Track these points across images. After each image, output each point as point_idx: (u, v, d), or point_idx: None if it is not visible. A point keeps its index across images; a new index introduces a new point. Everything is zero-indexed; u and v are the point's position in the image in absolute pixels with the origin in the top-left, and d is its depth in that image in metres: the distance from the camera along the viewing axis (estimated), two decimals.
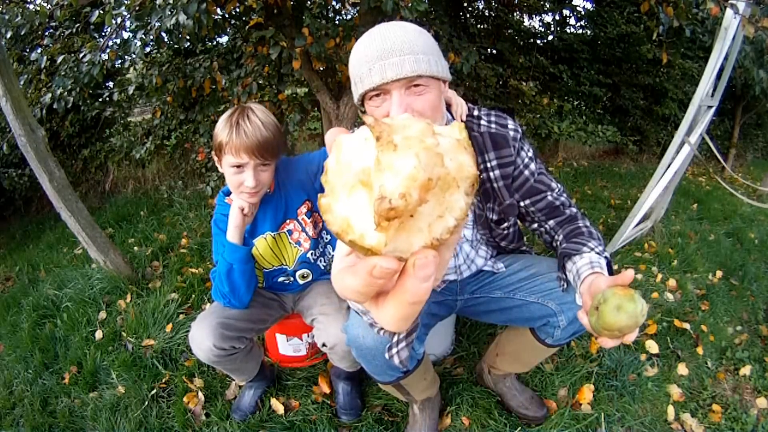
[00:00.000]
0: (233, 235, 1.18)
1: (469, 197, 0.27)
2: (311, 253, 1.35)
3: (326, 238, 1.40)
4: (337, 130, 0.49)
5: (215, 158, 1.20)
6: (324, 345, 1.26)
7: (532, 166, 1.09)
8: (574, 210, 1.10)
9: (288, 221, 1.31)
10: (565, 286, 1.04)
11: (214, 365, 1.28)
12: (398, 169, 0.26)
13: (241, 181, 1.14)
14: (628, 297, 0.65)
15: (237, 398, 1.52)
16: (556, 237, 1.08)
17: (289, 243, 1.33)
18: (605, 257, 0.95)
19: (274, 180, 1.24)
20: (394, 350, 0.93)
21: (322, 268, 1.41)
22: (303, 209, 1.32)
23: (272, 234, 1.30)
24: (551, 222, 1.09)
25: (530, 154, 1.10)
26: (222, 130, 1.12)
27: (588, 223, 1.06)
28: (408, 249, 0.27)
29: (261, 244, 1.29)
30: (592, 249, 0.95)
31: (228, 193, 1.29)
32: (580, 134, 4.49)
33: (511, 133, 1.07)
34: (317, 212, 1.35)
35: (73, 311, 2.07)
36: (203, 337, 1.17)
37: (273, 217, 1.29)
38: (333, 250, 1.42)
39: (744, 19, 1.74)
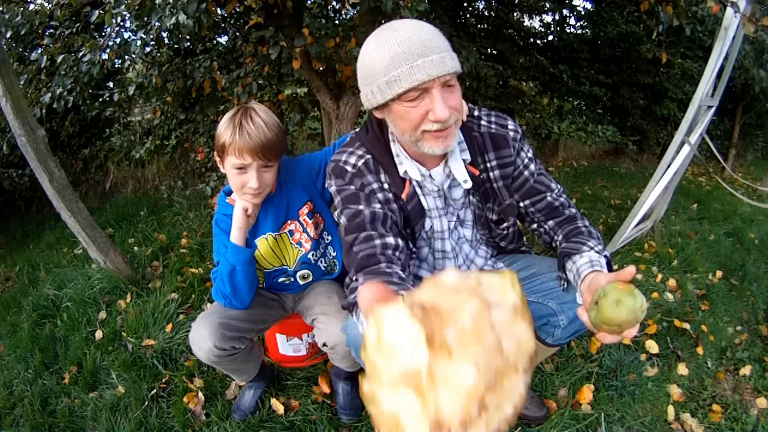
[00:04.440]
0: (237, 236, 1.18)
1: (527, 374, 0.25)
2: (312, 254, 1.35)
3: (327, 239, 1.39)
4: (373, 300, 0.54)
5: (217, 159, 1.19)
6: (324, 345, 1.26)
7: (532, 166, 1.09)
8: (573, 210, 1.10)
9: (289, 222, 1.31)
10: (566, 285, 1.04)
11: (214, 365, 1.28)
12: (455, 383, 0.23)
13: (245, 182, 1.13)
14: (628, 292, 0.65)
15: (237, 398, 1.52)
16: (555, 237, 1.09)
17: (290, 244, 1.33)
18: (605, 256, 0.95)
19: (275, 180, 1.25)
20: None
21: (323, 269, 1.41)
22: (305, 210, 1.32)
23: (273, 235, 1.29)
24: (550, 222, 1.09)
25: (530, 154, 1.10)
26: (224, 131, 1.11)
27: (587, 223, 1.06)
28: None
29: (262, 245, 1.29)
30: (592, 248, 0.95)
31: (229, 193, 1.29)
32: (580, 134, 4.49)
33: (511, 133, 1.07)
34: (319, 213, 1.35)
35: (73, 311, 2.07)
36: (204, 338, 1.16)
37: (274, 217, 1.28)
38: (334, 251, 1.41)
39: (744, 18, 1.74)
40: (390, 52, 0.85)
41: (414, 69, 0.83)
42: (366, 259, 0.88)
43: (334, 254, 1.42)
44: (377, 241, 0.90)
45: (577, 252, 0.95)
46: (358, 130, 1.12)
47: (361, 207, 0.97)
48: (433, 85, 0.85)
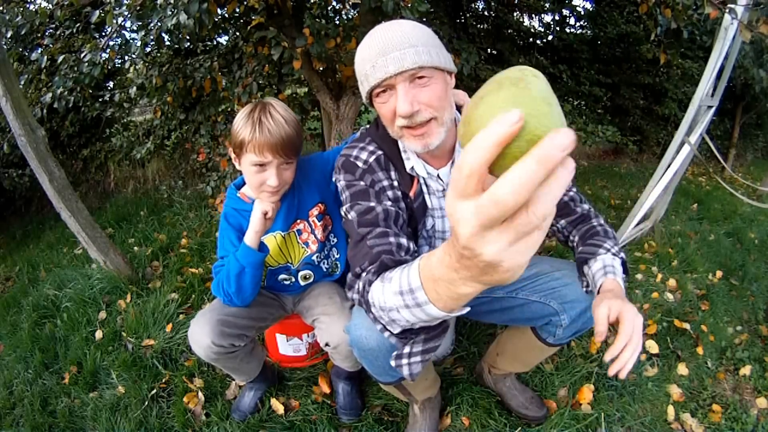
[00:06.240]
0: (252, 239, 1.15)
1: None
2: (317, 256, 1.35)
3: (333, 241, 1.39)
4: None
5: (233, 156, 1.16)
6: (327, 345, 1.25)
7: None
8: (586, 207, 1.10)
9: (298, 221, 1.30)
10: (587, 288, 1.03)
11: (213, 363, 1.27)
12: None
13: (263, 180, 1.11)
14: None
15: (237, 398, 1.52)
16: (570, 237, 1.09)
17: (298, 243, 1.32)
18: (621, 257, 0.96)
19: (293, 178, 1.23)
20: (405, 361, 0.89)
21: (324, 270, 1.41)
22: (315, 211, 1.31)
23: (282, 234, 1.29)
24: (563, 221, 1.10)
25: None
26: (243, 127, 1.08)
27: (602, 221, 1.06)
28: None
29: (271, 243, 1.28)
30: (608, 250, 0.96)
31: (240, 186, 1.28)
32: (580, 134, 4.48)
33: None
34: (329, 215, 1.34)
35: (73, 311, 2.07)
36: (202, 335, 1.16)
37: (285, 216, 1.27)
38: (338, 254, 1.41)
39: (741, 25, 1.74)
40: (360, 54, 0.90)
41: (375, 68, 0.87)
42: (382, 254, 0.86)
43: (338, 256, 1.42)
44: (392, 239, 0.89)
45: (592, 256, 0.95)
46: (368, 125, 1.12)
47: (372, 204, 0.96)
48: (396, 81, 0.86)
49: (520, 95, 0.36)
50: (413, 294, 0.60)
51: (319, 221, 1.31)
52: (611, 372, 0.74)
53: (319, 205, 1.31)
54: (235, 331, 1.20)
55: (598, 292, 0.90)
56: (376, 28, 0.91)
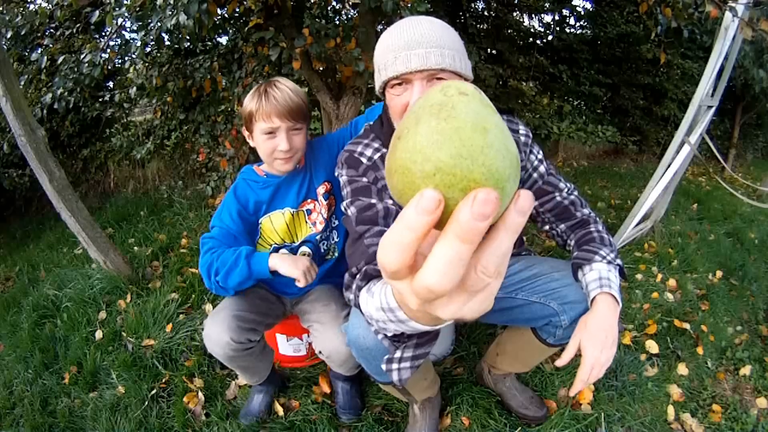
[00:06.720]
0: (273, 265, 1.16)
1: None
2: (319, 236, 1.36)
3: (334, 224, 1.40)
4: None
5: (245, 133, 1.23)
6: (320, 353, 1.27)
7: (542, 168, 1.10)
8: (586, 212, 1.10)
9: (308, 200, 1.32)
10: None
11: (229, 362, 1.26)
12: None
13: (275, 147, 1.17)
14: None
15: (246, 403, 1.49)
16: (568, 241, 1.09)
17: (305, 221, 1.34)
18: (617, 265, 0.96)
19: (303, 156, 1.26)
20: (395, 366, 0.90)
21: (323, 251, 1.41)
22: (321, 189, 1.33)
23: (292, 210, 1.30)
24: (562, 226, 1.10)
25: (539, 156, 1.10)
26: (250, 101, 1.17)
27: (600, 227, 1.06)
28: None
29: (278, 219, 1.30)
30: (604, 257, 0.95)
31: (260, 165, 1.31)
32: (580, 134, 4.48)
33: (523, 138, 1.08)
34: (334, 195, 1.36)
35: (73, 311, 2.07)
36: (220, 332, 1.16)
37: (297, 192, 1.30)
38: (337, 237, 1.42)
39: (742, 23, 1.74)
40: (385, 42, 0.90)
41: (397, 60, 0.87)
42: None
43: (337, 240, 1.42)
44: None
45: (587, 262, 0.95)
46: (372, 122, 1.12)
47: (373, 201, 0.95)
48: (414, 77, 0.87)
49: (444, 131, 0.28)
50: (394, 312, 0.60)
51: (325, 200, 1.33)
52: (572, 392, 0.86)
53: (326, 183, 1.33)
54: (249, 325, 1.21)
55: (591, 302, 0.92)
56: (406, 19, 0.91)
